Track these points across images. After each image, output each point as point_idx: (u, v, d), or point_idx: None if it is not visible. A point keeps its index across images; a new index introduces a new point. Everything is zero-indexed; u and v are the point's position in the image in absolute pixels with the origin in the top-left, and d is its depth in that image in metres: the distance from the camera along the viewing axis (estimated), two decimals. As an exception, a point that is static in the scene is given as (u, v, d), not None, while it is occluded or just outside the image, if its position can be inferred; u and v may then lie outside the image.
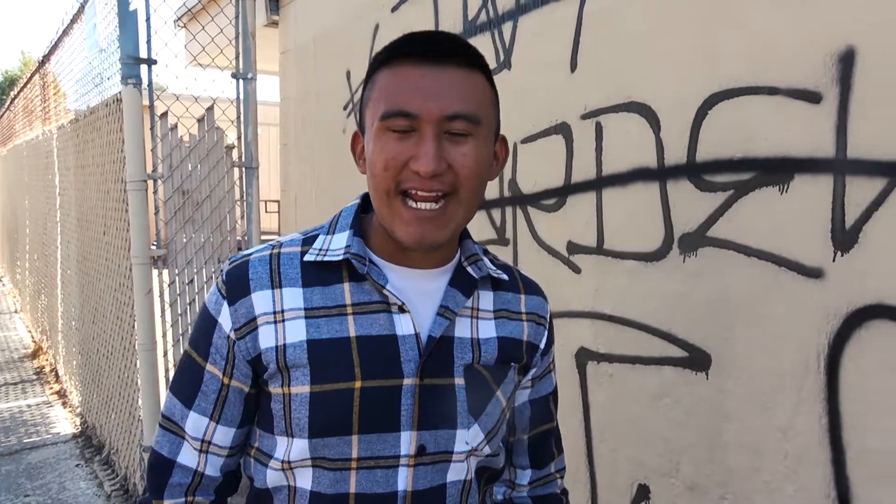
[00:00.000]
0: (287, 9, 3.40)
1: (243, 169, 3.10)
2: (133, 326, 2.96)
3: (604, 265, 1.68)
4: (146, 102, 2.81)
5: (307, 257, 0.91)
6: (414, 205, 0.84)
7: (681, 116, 1.47)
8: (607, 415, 1.72)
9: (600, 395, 1.73)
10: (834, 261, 1.22)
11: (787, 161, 1.28)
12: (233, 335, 0.89)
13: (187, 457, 0.94)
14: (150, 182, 2.85)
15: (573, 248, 1.77)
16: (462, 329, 0.94)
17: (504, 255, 2.02)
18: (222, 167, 3.07)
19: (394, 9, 2.49)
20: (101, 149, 3.37)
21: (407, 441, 0.88)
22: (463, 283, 0.95)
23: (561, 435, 1.15)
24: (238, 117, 3.08)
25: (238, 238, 3.14)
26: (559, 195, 1.81)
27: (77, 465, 3.84)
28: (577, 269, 1.77)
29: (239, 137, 3.11)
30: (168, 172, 2.94)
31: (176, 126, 2.96)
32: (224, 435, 0.93)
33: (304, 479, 0.89)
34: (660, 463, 1.57)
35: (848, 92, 1.18)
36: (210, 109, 3.03)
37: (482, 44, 2.05)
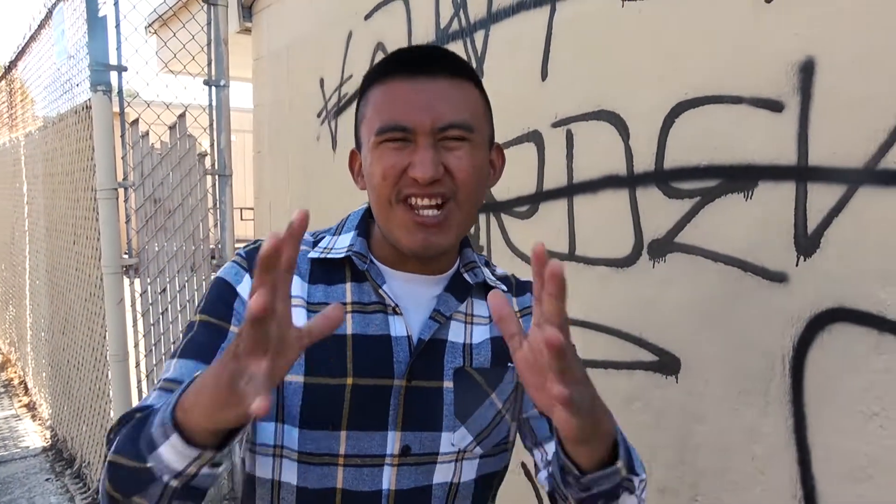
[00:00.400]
0: (260, 16, 3.39)
1: (216, 176, 3.09)
2: (104, 337, 2.92)
3: (576, 271, 1.70)
4: (116, 109, 2.78)
5: (311, 254, 0.94)
6: (417, 212, 0.86)
7: (649, 125, 1.50)
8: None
9: (573, 400, 1.74)
10: (797, 265, 1.25)
11: (751, 168, 1.31)
12: None
13: (157, 396, 0.85)
14: (121, 190, 2.82)
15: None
16: (455, 334, 0.95)
17: (478, 261, 2.03)
18: (195, 175, 3.05)
19: (367, 16, 2.50)
20: (71, 156, 3.33)
21: (392, 441, 0.90)
22: (457, 289, 0.97)
23: None
24: (211, 124, 3.07)
25: (211, 246, 3.12)
26: (532, 202, 1.83)
27: (47, 480, 3.77)
28: (549, 275, 1.78)
29: (212, 145, 3.09)
30: (139, 180, 2.91)
31: (147, 133, 2.94)
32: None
33: (290, 474, 0.90)
34: (632, 466, 1.59)
35: (808, 101, 1.22)
36: (182, 116, 3.01)
37: (455, 52, 2.06)
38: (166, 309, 3.00)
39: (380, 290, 0.92)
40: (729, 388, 1.39)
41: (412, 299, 0.94)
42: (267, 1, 3.28)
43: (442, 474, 0.93)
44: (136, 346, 2.96)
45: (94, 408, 3.27)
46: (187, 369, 0.86)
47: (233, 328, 0.90)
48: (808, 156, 1.22)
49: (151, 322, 2.98)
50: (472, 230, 2.05)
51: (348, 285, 0.93)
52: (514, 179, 1.87)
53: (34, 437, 4.46)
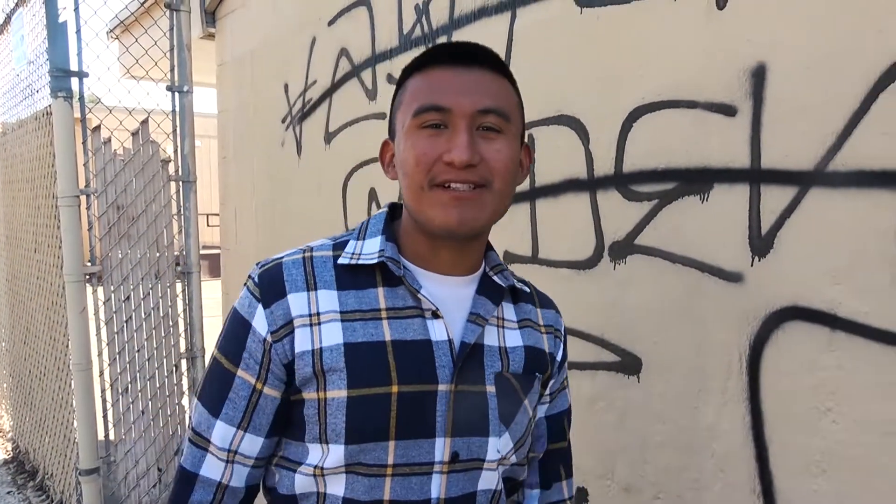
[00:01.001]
0: (223, 21, 3.37)
1: (180, 182, 3.05)
2: (67, 346, 2.87)
3: (539, 274, 1.72)
4: (78, 115, 2.74)
5: (341, 260, 0.91)
6: (453, 188, 0.84)
7: (608, 129, 1.52)
8: (546, 420, 1.75)
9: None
10: (752, 266, 1.28)
11: (706, 171, 1.34)
12: (269, 338, 0.87)
13: (211, 469, 0.91)
14: (83, 197, 2.78)
15: (510, 257, 1.81)
16: (490, 337, 0.94)
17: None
18: (158, 181, 3.01)
19: (330, 22, 2.50)
20: (31, 163, 3.27)
21: (441, 447, 0.88)
22: (490, 291, 0.96)
23: (572, 457, 1.14)
24: (174, 130, 3.03)
25: (176, 253, 3.08)
26: (495, 206, 1.84)
27: (9, 493, 3.68)
28: (514, 279, 1.80)
29: (175, 150, 3.05)
30: (102, 187, 2.87)
31: (109, 139, 2.90)
32: (251, 444, 0.90)
33: (337, 486, 0.87)
34: (595, 465, 1.61)
35: (760, 105, 1.25)
36: (145, 122, 2.97)
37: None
38: (130, 317, 2.96)
39: (418, 295, 0.89)
40: (689, 387, 1.41)
41: (446, 300, 0.92)
42: (230, 6, 3.26)
43: (486, 481, 0.92)
44: (100, 354, 2.91)
45: (56, 418, 3.20)
46: (205, 419, 0.91)
47: (240, 373, 0.88)
48: (760, 158, 1.25)
49: (115, 330, 2.93)
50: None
51: (380, 290, 0.90)
52: (479, 183, 1.89)
53: (-5, 450, 4.36)
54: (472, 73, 0.87)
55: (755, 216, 1.27)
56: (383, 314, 0.89)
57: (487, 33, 1.83)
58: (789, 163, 1.21)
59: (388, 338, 0.88)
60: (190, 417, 0.94)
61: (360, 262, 0.90)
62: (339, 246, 0.94)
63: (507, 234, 1.81)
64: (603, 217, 1.56)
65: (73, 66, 2.67)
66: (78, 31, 2.70)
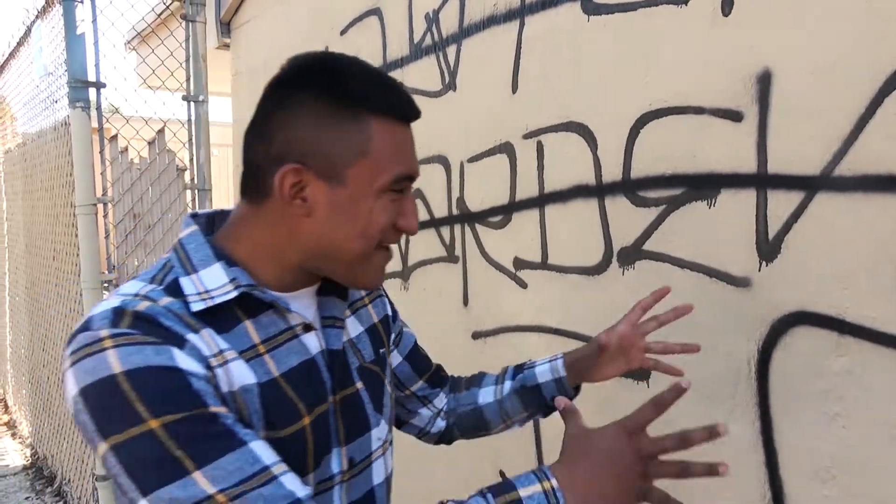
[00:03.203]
0: (238, 32, 3.41)
1: (196, 191, 3.09)
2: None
3: (549, 280, 1.72)
4: (95, 125, 2.79)
5: (194, 307, 0.77)
6: (390, 253, 0.88)
7: (616, 135, 1.53)
8: (557, 426, 1.75)
9: (549, 408, 1.76)
10: (760, 270, 1.28)
11: (713, 177, 1.34)
12: (206, 371, 0.73)
13: (295, 483, 0.72)
14: (101, 206, 2.82)
15: (519, 263, 1.82)
16: (340, 335, 0.94)
17: (454, 271, 2.05)
18: (174, 189, 3.05)
19: (342, 32, 2.53)
20: (50, 172, 3.32)
21: (338, 458, 0.89)
22: (332, 291, 0.93)
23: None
24: (190, 139, 3.08)
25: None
26: (505, 212, 1.86)
27: (27, 499, 3.73)
28: (523, 285, 1.81)
29: (191, 159, 3.10)
30: (118, 196, 2.92)
31: (126, 149, 2.95)
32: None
33: None
34: (606, 471, 1.61)
35: (766, 111, 1.25)
36: (161, 132, 3.02)
37: (428, 66, 2.09)
38: (146, 324, 2.99)
39: (288, 315, 0.84)
40: (697, 393, 1.41)
41: (306, 313, 0.88)
42: (245, 17, 3.30)
43: (378, 473, 0.95)
44: (116, 361, 2.94)
45: (74, 425, 3.24)
46: (232, 465, 0.69)
47: (212, 408, 0.71)
48: (767, 163, 1.25)
49: (131, 337, 2.96)
50: (449, 241, 2.07)
51: (248, 323, 0.81)
52: (488, 190, 1.90)
53: (14, 455, 4.41)
54: (410, 131, 0.86)
55: (762, 221, 1.27)
56: (261, 349, 0.81)
57: (496, 41, 1.84)
58: (796, 168, 1.22)
59: (276, 373, 0.81)
60: (201, 495, 0.67)
61: (216, 300, 0.78)
62: (172, 290, 0.78)
63: (518, 241, 1.82)
64: (611, 223, 1.56)
65: (91, 77, 2.72)
66: (96, 43, 2.75)
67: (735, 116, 1.30)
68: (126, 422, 0.67)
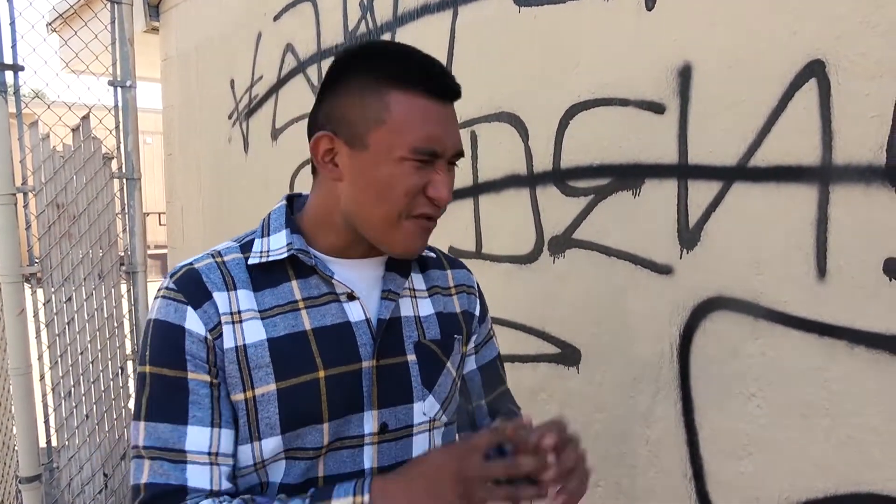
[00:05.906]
0: (168, 15, 3.31)
1: (124, 180, 2.99)
2: (4, 350, 2.78)
3: (482, 268, 1.74)
4: (13, 110, 2.66)
5: (251, 261, 0.93)
6: (425, 221, 0.90)
7: (546, 126, 1.56)
8: (490, 412, 1.78)
9: (483, 394, 1.79)
10: (681, 258, 1.33)
11: (638, 167, 1.38)
12: (209, 336, 0.88)
13: (198, 478, 0.85)
14: (20, 195, 2.70)
15: (454, 252, 1.83)
16: (406, 309, 0.99)
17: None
18: (101, 178, 2.94)
19: (276, 18, 2.48)
20: (-35, 161, 3.15)
21: (370, 420, 0.93)
22: (398, 266, 1.00)
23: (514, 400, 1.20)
24: (117, 126, 2.96)
25: (120, 253, 3.02)
26: (439, 202, 1.86)
27: (-54, 502, 3.56)
28: (458, 273, 1.82)
29: (118, 147, 2.99)
30: (40, 185, 2.79)
31: (48, 135, 2.82)
32: (227, 439, 0.89)
33: (275, 473, 0.90)
34: (538, 455, 1.65)
35: (687, 103, 1.29)
36: (86, 118, 2.90)
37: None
38: (72, 318, 2.89)
39: (332, 281, 0.93)
40: (625, 377, 1.46)
41: (360, 282, 0.96)
42: (174, 0, 3.21)
43: (419, 446, 0.97)
44: (40, 358, 2.83)
45: (-5, 425, 3.11)
46: (168, 431, 0.85)
47: (191, 375, 0.87)
48: (687, 154, 1.30)
49: (56, 332, 2.85)
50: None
51: (294, 283, 0.93)
52: (423, 180, 1.90)
53: (-69, 458, 4.20)
54: (448, 109, 0.90)
55: (683, 210, 1.31)
56: (301, 304, 0.92)
57: (430, 30, 1.84)
58: (714, 158, 1.26)
59: (308, 327, 0.91)
60: (137, 440, 0.87)
61: (270, 258, 0.93)
62: (245, 247, 0.95)
63: (452, 230, 1.83)
64: (542, 212, 1.59)
65: (8, 59, 2.59)
66: (12, 23, 2.62)
67: (658, 108, 1.34)
68: (141, 359, 0.89)
